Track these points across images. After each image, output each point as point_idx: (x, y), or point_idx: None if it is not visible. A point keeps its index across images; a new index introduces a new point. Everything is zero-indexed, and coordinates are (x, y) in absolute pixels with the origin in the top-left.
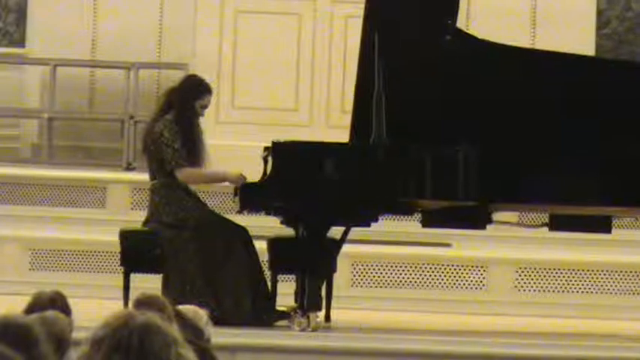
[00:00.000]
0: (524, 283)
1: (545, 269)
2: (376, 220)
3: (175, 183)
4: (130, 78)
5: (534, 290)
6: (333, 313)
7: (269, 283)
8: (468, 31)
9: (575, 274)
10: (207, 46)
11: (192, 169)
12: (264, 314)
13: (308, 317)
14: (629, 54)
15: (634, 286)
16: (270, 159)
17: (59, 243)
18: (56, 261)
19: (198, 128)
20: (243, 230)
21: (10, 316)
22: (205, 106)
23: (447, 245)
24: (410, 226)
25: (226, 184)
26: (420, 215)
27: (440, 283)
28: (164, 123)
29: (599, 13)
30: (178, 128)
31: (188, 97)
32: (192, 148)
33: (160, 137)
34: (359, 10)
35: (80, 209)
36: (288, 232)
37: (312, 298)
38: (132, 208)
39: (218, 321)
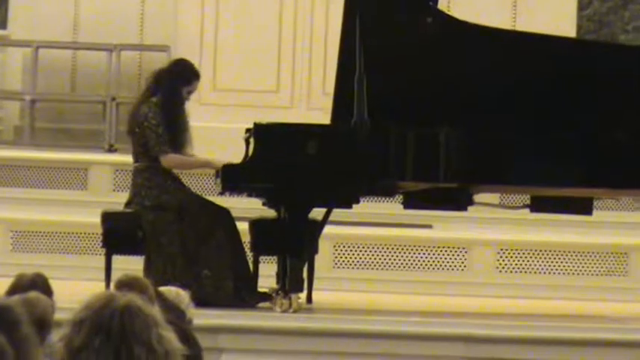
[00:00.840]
0: (506, 264)
1: (526, 250)
2: (358, 202)
3: (158, 167)
4: (112, 60)
5: (515, 271)
6: (315, 295)
7: (251, 265)
8: (449, 13)
9: (557, 255)
10: (188, 28)
11: (177, 156)
12: (245, 296)
13: (290, 298)
14: (610, 35)
15: (615, 268)
16: (251, 140)
17: (41, 225)
18: (38, 243)
19: (184, 113)
20: (226, 212)
21: None
22: (192, 92)
23: (429, 227)
24: (391, 207)
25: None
26: (401, 197)
27: (421, 264)
28: (149, 106)
29: None
30: (163, 112)
31: (176, 82)
32: (176, 133)
33: (144, 121)
34: None
35: (62, 191)
36: (270, 213)
37: (294, 279)
38: (114, 190)
39: (200, 302)
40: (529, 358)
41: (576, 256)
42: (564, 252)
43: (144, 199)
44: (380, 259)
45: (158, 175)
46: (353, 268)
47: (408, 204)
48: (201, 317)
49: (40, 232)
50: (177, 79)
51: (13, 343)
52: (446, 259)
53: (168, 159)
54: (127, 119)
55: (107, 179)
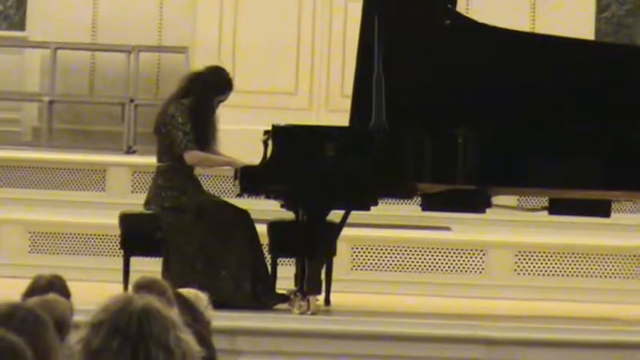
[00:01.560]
0: (524, 266)
1: (544, 253)
2: (376, 204)
3: (180, 167)
4: (131, 61)
5: (534, 274)
6: (333, 297)
7: (269, 267)
8: (467, 15)
9: (575, 257)
10: (207, 30)
11: (200, 152)
12: (264, 297)
13: (308, 300)
14: (628, 38)
15: (633, 270)
16: (270, 143)
17: (59, 226)
18: (56, 244)
19: (213, 119)
20: (244, 213)
21: (16, 302)
22: (222, 101)
23: (447, 229)
24: (409, 209)
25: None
26: (419, 199)
27: (439, 266)
28: (177, 106)
29: None
30: (192, 115)
31: (210, 90)
32: (202, 134)
33: (172, 120)
34: None
35: (80, 192)
36: (288, 215)
37: (312, 281)
38: (132, 192)
39: (218, 304)
40: None
41: (594, 258)
42: (582, 254)
43: (163, 200)
44: (398, 261)
45: (179, 176)
46: (371, 270)
47: (426, 206)
48: (220, 319)
49: (58, 234)
50: (212, 87)
51: (38, 347)
52: (464, 261)
53: (192, 155)
54: (155, 118)
55: (125, 181)
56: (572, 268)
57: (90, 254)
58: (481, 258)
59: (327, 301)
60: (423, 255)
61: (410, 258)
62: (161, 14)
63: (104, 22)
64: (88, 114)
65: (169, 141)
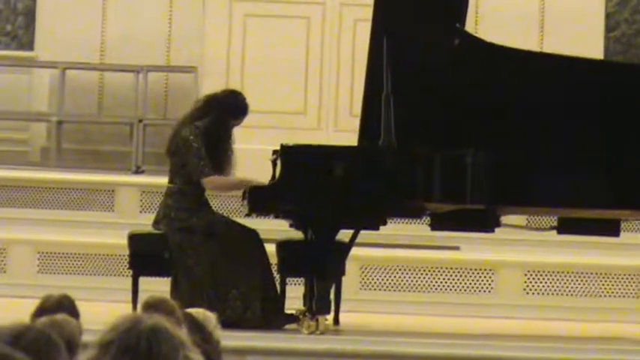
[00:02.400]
0: (533, 286)
1: (553, 272)
2: (385, 224)
3: (191, 190)
4: (139, 81)
5: (543, 293)
6: (342, 316)
7: (278, 286)
8: (476, 35)
9: (584, 277)
10: (215, 50)
11: (218, 178)
12: (273, 317)
13: (317, 320)
14: (637, 57)
15: None
16: (278, 162)
17: (68, 246)
18: (64, 264)
19: (229, 143)
20: (253, 233)
21: (27, 323)
22: (236, 125)
23: (456, 248)
24: (418, 229)
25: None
26: (428, 218)
27: (448, 286)
28: (191, 129)
29: (608, 16)
30: (206, 138)
31: (226, 114)
32: (217, 157)
33: (185, 143)
34: (367, 13)
35: (89, 212)
36: (297, 234)
37: (321, 301)
38: (141, 212)
39: (227, 324)
40: None
41: (603, 278)
42: (591, 274)
43: (173, 220)
44: (407, 280)
45: (189, 198)
46: (380, 289)
47: (435, 226)
48: (229, 339)
49: (67, 254)
50: (229, 111)
51: None
52: (473, 280)
53: (210, 181)
54: (169, 138)
55: (134, 201)
56: (582, 288)
57: (99, 274)
58: (490, 277)
59: (336, 321)
60: (432, 275)
61: (419, 278)
62: (170, 34)
63: (113, 42)
64: (96, 134)
65: (182, 163)
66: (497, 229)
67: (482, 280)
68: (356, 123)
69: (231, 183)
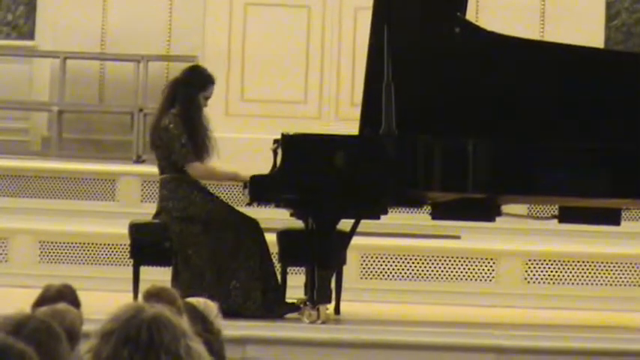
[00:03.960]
0: (534, 275)
1: (554, 261)
2: (386, 213)
3: (184, 178)
4: (140, 71)
5: (544, 282)
6: (343, 306)
7: (279, 276)
8: (477, 23)
9: (585, 266)
10: (216, 39)
11: (203, 165)
12: (274, 306)
13: (318, 309)
14: (638, 46)
15: None
16: (279, 151)
17: (69, 235)
18: (66, 253)
19: (204, 119)
20: (254, 222)
21: (28, 313)
22: (208, 97)
23: (457, 237)
24: (419, 218)
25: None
26: (429, 207)
27: (449, 275)
28: (169, 118)
29: (609, 5)
30: (184, 122)
31: (191, 90)
32: (199, 141)
33: (166, 132)
34: (368, 1)
35: (90, 202)
36: (298, 224)
37: (322, 290)
38: (142, 201)
39: (228, 313)
40: None
41: (605, 266)
42: (593, 263)
43: (171, 210)
44: (408, 269)
45: (184, 185)
46: (381, 279)
47: (436, 215)
48: (230, 328)
49: (68, 243)
50: (193, 86)
51: (49, 358)
52: (474, 269)
53: (195, 168)
54: (150, 133)
55: (135, 190)
56: (582, 276)
57: (100, 264)
58: (491, 266)
59: (337, 310)
60: (433, 264)
61: (420, 267)
62: (170, 23)
63: (113, 32)
64: (97, 123)
65: (168, 152)
66: (498, 218)
67: (483, 269)
68: (357, 112)
69: (219, 173)
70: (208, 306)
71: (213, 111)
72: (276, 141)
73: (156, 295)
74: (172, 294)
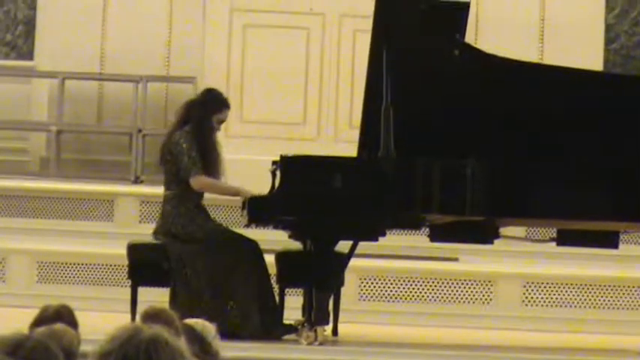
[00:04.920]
0: (532, 297)
1: (552, 284)
2: (384, 235)
3: (188, 195)
4: (139, 91)
5: (542, 305)
6: (341, 327)
7: (277, 297)
8: (476, 46)
9: (583, 289)
10: (215, 60)
11: (207, 178)
12: (272, 328)
13: (315, 331)
14: (637, 69)
15: None
16: (278, 173)
17: (67, 256)
18: (64, 274)
19: (216, 141)
20: (253, 243)
21: (25, 333)
22: (222, 121)
23: (455, 260)
24: (417, 240)
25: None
26: (427, 229)
27: (447, 297)
28: (181, 134)
29: (608, 27)
30: (195, 140)
31: (207, 111)
32: (208, 159)
33: (177, 146)
34: (367, 24)
35: (88, 222)
36: (296, 245)
37: (320, 311)
38: (140, 222)
39: (226, 335)
40: None
41: (602, 289)
42: (590, 285)
43: (171, 227)
44: (406, 291)
45: (186, 203)
46: (379, 300)
47: (434, 237)
48: (228, 350)
49: (66, 264)
50: (208, 108)
51: None
52: (472, 292)
53: (199, 180)
54: (160, 148)
55: (133, 211)
56: (581, 300)
57: (98, 284)
58: (489, 289)
59: (335, 332)
60: (430, 286)
61: (418, 289)
62: (169, 44)
63: (112, 52)
64: (95, 144)
65: (176, 168)
66: (496, 241)
67: (481, 292)
68: (355, 134)
69: (221, 187)
70: (206, 327)
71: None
72: (274, 162)
73: (154, 316)
74: (170, 315)
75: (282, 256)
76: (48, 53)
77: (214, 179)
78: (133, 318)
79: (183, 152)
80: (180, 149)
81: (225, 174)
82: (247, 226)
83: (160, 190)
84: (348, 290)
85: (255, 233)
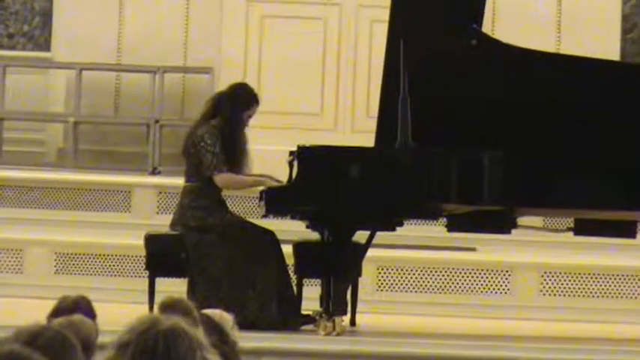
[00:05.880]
0: (549, 287)
1: (570, 274)
2: (401, 225)
3: (208, 189)
4: (156, 82)
5: (559, 295)
6: (359, 318)
7: (294, 287)
8: (493, 36)
9: (600, 278)
10: (232, 51)
11: (230, 174)
12: (289, 318)
13: (333, 321)
14: None
15: None
16: (295, 163)
17: (84, 247)
18: (81, 265)
19: (243, 137)
20: (270, 233)
21: (43, 324)
22: (251, 116)
23: (472, 249)
24: (435, 230)
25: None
26: (445, 219)
27: (465, 287)
28: (207, 128)
29: (625, 17)
30: (222, 135)
31: (237, 107)
32: (231, 154)
33: (200, 141)
34: (384, 14)
35: (105, 213)
36: (314, 236)
37: (338, 302)
38: (157, 212)
39: (244, 325)
40: None
41: (620, 279)
42: (608, 275)
43: (189, 219)
44: (423, 281)
45: (205, 197)
46: (396, 290)
47: (451, 227)
48: (245, 340)
49: (84, 255)
50: (238, 103)
51: None
52: (489, 282)
53: (222, 178)
54: (184, 140)
55: (151, 201)
56: (598, 289)
57: (115, 275)
58: (506, 279)
59: (353, 322)
60: (448, 276)
61: (435, 279)
62: (187, 35)
63: (129, 43)
64: (113, 135)
65: (198, 162)
66: (513, 231)
67: (499, 282)
68: (373, 124)
69: (244, 181)
70: (224, 318)
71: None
72: (292, 153)
73: (171, 306)
74: (188, 305)
75: (299, 247)
76: (65, 44)
77: (236, 174)
78: (151, 309)
79: (206, 148)
80: (203, 145)
81: (249, 166)
82: (265, 216)
83: (177, 180)
84: (366, 280)
85: (272, 224)
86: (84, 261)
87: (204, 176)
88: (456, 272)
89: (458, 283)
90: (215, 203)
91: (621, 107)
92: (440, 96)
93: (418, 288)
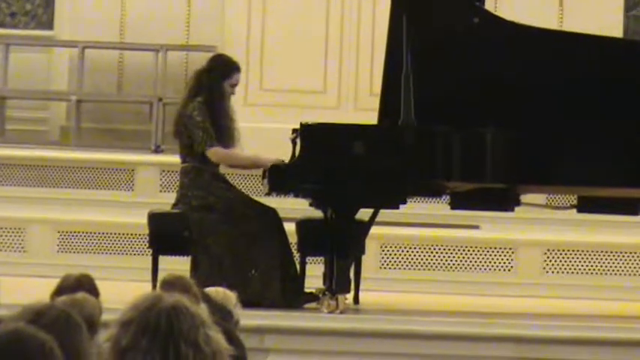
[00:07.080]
0: (553, 265)
1: (573, 251)
2: (405, 202)
3: (205, 167)
4: (159, 60)
5: (562, 272)
6: (362, 295)
7: (297, 265)
8: (495, 13)
9: (603, 255)
10: (235, 28)
11: (224, 150)
12: (293, 296)
13: (337, 299)
14: None
15: None
16: (298, 141)
17: (87, 225)
18: (84, 243)
19: (230, 108)
20: (273, 212)
21: (48, 302)
22: (234, 85)
23: (476, 227)
24: (438, 208)
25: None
26: (448, 197)
27: (468, 265)
28: (194, 105)
29: None
30: (209, 109)
31: (217, 78)
32: (222, 129)
33: (190, 119)
34: None
35: (108, 191)
36: (317, 213)
37: (341, 280)
38: (160, 191)
39: (247, 303)
40: (576, 359)
41: (623, 256)
42: (611, 252)
43: (190, 199)
44: (427, 259)
45: (204, 175)
46: (400, 268)
47: (455, 204)
48: (248, 318)
49: (87, 233)
50: (218, 74)
51: (69, 347)
52: (493, 259)
53: (215, 152)
54: (173, 121)
55: (154, 180)
56: (601, 266)
57: (118, 253)
58: (510, 256)
59: (356, 300)
60: (451, 253)
61: (439, 256)
62: (189, 13)
63: (132, 21)
64: (116, 113)
65: (191, 141)
66: (516, 208)
67: (502, 259)
68: (376, 102)
69: (238, 157)
70: (227, 295)
71: (232, 100)
72: (294, 130)
73: (171, 283)
74: (187, 282)
75: (302, 225)
76: (68, 22)
77: (230, 150)
78: (154, 287)
79: (196, 125)
80: (193, 122)
81: (240, 142)
82: (268, 194)
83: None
84: (369, 258)
85: (275, 201)
86: (87, 239)
87: (198, 154)
88: (459, 250)
89: (461, 261)
90: (214, 181)
91: (624, 84)
92: (443, 73)
93: (421, 266)
